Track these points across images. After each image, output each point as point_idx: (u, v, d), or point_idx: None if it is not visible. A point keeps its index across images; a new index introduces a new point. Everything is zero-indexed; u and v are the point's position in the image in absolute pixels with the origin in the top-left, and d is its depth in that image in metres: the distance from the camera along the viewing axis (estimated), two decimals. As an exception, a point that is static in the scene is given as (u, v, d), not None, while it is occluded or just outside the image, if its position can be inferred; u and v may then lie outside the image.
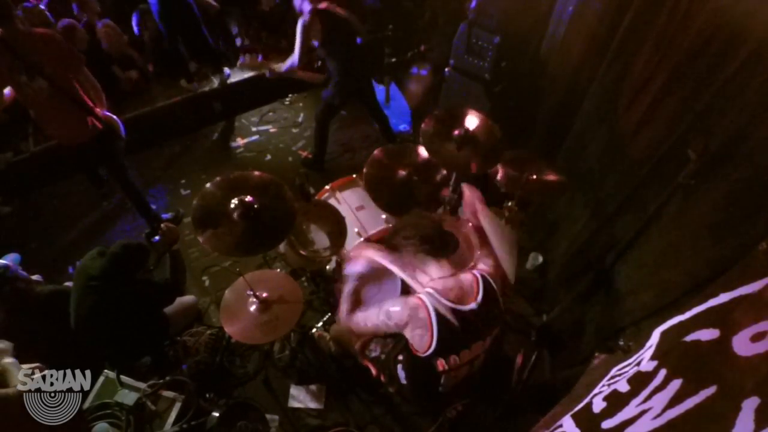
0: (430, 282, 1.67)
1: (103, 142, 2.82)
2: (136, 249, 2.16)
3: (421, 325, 1.59)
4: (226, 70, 4.44)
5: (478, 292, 1.64)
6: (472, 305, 1.62)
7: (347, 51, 3.17)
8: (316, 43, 3.05)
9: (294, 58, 3.08)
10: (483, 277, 1.69)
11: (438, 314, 1.57)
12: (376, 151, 2.54)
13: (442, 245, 1.69)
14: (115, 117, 2.90)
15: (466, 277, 1.68)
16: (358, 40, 3.31)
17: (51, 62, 2.47)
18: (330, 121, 3.61)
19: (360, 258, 1.93)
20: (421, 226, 1.69)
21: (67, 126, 2.69)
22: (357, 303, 1.87)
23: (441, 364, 1.67)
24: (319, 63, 3.20)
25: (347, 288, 1.90)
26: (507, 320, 2.77)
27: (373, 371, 2.08)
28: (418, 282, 1.72)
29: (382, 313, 1.68)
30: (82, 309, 2.08)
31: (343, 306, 1.86)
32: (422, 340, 1.61)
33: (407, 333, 1.64)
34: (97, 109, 2.76)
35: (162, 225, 2.32)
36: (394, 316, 1.64)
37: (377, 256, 1.85)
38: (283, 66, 3.20)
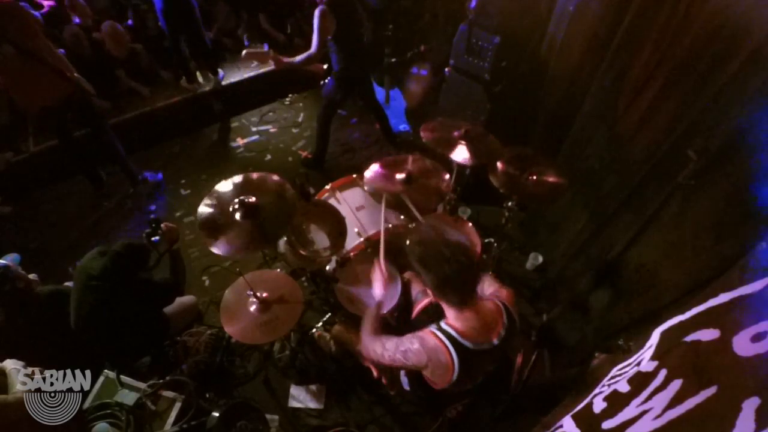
0: (449, 313, 1.55)
1: (79, 102, 2.98)
2: (137, 249, 2.17)
3: (441, 366, 1.50)
4: (220, 72, 4.45)
5: (501, 326, 1.55)
6: (495, 341, 1.53)
7: (354, 42, 3.15)
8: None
9: (312, 49, 3.02)
10: (506, 309, 1.60)
11: (459, 356, 1.48)
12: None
13: (467, 292, 1.50)
14: (83, 78, 3.04)
15: (488, 308, 1.58)
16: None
17: (14, 29, 2.59)
18: (332, 119, 3.60)
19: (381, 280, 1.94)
20: (449, 257, 1.44)
21: (38, 88, 2.81)
22: (379, 324, 1.80)
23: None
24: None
25: (370, 311, 1.85)
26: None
27: (375, 373, 2.08)
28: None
29: (399, 353, 1.58)
30: (82, 309, 2.08)
31: (367, 329, 1.77)
32: (442, 379, 1.54)
33: (426, 373, 1.57)
34: (66, 72, 2.87)
35: (162, 225, 2.30)
36: (411, 358, 1.54)
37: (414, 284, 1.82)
38: (297, 58, 3.10)
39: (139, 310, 2.19)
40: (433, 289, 1.54)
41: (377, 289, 1.96)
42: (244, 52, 3.07)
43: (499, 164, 2.45)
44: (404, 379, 1.94)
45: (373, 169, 2.50)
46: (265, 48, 3.08)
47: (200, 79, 4.45)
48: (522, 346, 2.47)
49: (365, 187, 2.47)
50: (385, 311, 1.97)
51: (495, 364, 1.65)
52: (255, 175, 2.28)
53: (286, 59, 3.09)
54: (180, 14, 3.87)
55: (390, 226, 2.60)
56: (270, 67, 4.52)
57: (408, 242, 1.59)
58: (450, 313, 1.54)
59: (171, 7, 3.80)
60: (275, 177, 2.28)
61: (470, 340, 1.48)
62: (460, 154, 2.40)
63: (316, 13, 2.90)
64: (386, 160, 2.55)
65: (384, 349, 1.62)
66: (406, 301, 2.36)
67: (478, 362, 1.54)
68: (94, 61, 3.85)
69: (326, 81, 3.39)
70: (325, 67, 3.30)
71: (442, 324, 1.53)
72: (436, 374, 1.53)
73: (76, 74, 2.98)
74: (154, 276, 2.39)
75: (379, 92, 4.29)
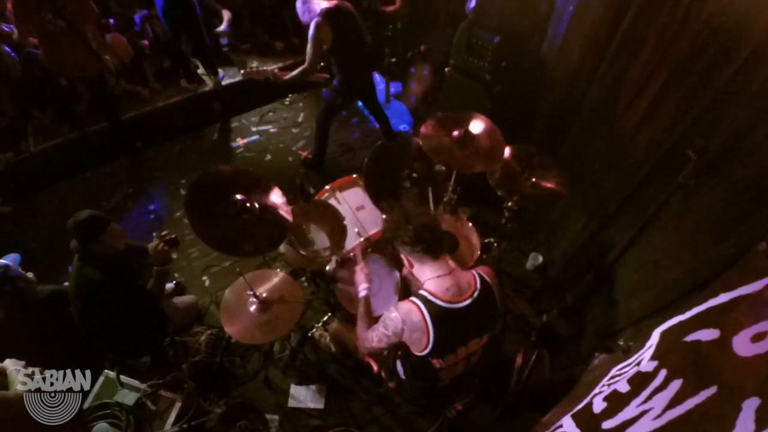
0: (426, 282, 1.66)
1: (102, 78, 3.44)
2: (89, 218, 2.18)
3: (416, 328, 1.60)
4: (220, 72, 4.45)
5: (475, 290, 1.64)
6: (467, 301, 1.62)
7: (355, 52, 3.13)
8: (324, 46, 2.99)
9: (306, 64, 3.01)
10: (481, 276, 1.69)
11: (432, 315, 1.58)
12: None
13: (437, 243, 1.64)
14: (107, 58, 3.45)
15: (464, 274, 1.68)
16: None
17: (72, 6, 2.98)
18: (331, 121, 3.60)
19: (361, 274, 2.00)
20: (415, 223, 1.63)
21: (74, 61, 3.21)
22: (371, 317, 1.88)
23: (437, 362, 1.68)
24: (322, 63, 3.17)
25: (360, 306, 1.93)
26: (507, 320, 2.77)
27: (375, 367, 2.09)
28: (417, 279, 1.73)
29: (381, 325, 1.70)
30: (72, 284, 2.13)
31: (360, 324, 1.87)
32: (420, 342, 1.62)
33: (405, 338, 1.65)
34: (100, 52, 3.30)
35: (159, 245, 2.29)
36: (390, 325, 1.65)
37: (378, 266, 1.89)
38: (292, 73, 3.11)
39: (120, 301, 2.20)
40: (409, 254, 1.66)
41: (362, 285, 2.00)
42: (241, 71, 3.13)
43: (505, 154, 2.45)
44: (400, 368, 1.95)
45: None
46: (263, 67, 3.12)
47: (204, 78, 4.45)
48: (522, 346, 2.48)
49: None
50: (377, 311, 1.98)
51: (475, 334, 1.69)
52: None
53: (286, 76, 3.11)
54: (181, 13, 3.88)
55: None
56: (270, 67, 4.54)
57: (388, 228, 1.74)
58: (427, 274, 1.65)
59: (172, 6, 3.80)
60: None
61: (442, 300, 1.59)
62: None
63: (312, 24, 2.86)
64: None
65: (374, 332, 1.73)
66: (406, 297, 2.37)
67: (452, 323, 1.61)
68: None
69: (330, 84, 3.37)
70: (327, 76, 3.30)
71: (419, 291, 1.65)
72: (413, 336, 1.62)
73: (106, 56, 3.36)
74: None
75: (379, 92, 4.28)
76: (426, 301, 1.59)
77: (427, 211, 1.75)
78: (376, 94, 3.65)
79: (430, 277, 1.64)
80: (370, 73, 3.44)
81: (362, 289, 1.98)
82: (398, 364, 1.97)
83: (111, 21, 4.02)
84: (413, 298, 1.63)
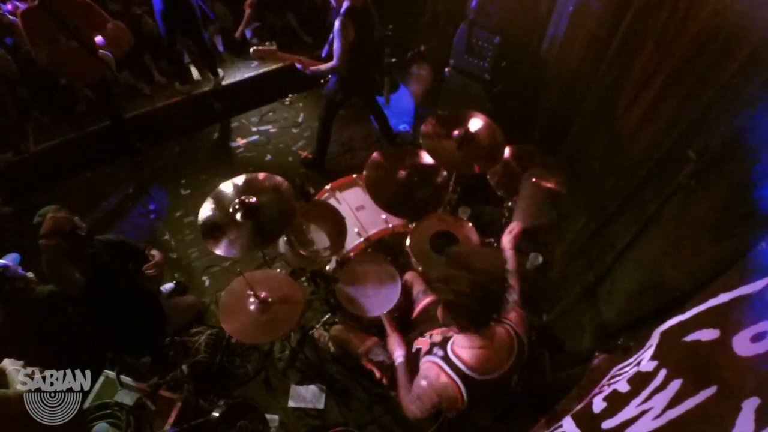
0: (460, 349, 1.48)
1: (109, 82, 3.50)
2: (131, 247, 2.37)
3: (452, 400, 1.49)
4: (220, 71, 4.45)
5: (511, 355, 1.50)
6: (505, 368, 1.50)
7: (366, 49, 3.10)
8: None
9: (335, 62, 2.96)
10: (517, 335, 1.55)
11: (468, 387, 1.45)
12: (374, 154, 2.53)
13: (487, 316, 1.41)
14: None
15: (501, 336, 1.50)
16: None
17: (84, 23, 3.05)
18: (333, 119, 3.58)
19: (394, 339, 1.86)
20: (482, 281, 1.34)
21: (86, 72, 3.32)
22: (411, 381, 1.70)
23: None
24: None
25: (399, 375, 1.77)
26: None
27: (377, 374, 2.08)
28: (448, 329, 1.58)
29: (417, 399, 1.56)
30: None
31: (403, 392, 1.71)
32: (453, 407, 1.53)
33: (443, 408, 1.54)
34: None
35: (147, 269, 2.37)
36: (425, 399, 1.52)
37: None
38: (322, 67, 3.05)
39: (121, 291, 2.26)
40: (446, 312, 1.45)
41: (397, 351, 1.83)
42: (252, 49, 3.04)
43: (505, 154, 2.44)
44: None
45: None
46: (273, 47, 3.02)
47: (198, 77, 4.44)
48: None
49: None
50: (373, 312, 1.94)
51: (506, 386, 1.63)
52: (260, 176, 2.30)
53: (314, 66, 3.05)
54: (181, 17, 3.87)
55: (390, 226, 2.60)
56: (270, 66, 4.54)
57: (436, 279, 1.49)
58: (459, 338, 1.48)
59: (172, 10, 3.79)
60: (277, 178, 2.29)
61: (478, 373, 1.43)
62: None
63: (337, 25, 2.83)
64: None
65: (413, 404, 1.60)
66: (406, 300, 2.36)
67: (486, 389, 1.50)
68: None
69: (328, 79, 3.36)
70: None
71: (449, 352, 1.47)
72: (449, 407, 1.51)
73: (102, 51, 3.35)
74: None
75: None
76: (462, 375, 1.44)
77: (495, 264, 1.41)
78: (375, 93, 3.64)
79: (466, 345, 1.47)
80: (372, 70, 3.43)
81: (398, 356, 1.80)
82: None
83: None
84: (445, 367, 1.45)
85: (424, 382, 1.50)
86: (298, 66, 3.11)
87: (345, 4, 2.84)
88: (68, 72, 3.36)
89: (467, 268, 1.36)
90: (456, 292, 1.35)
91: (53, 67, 3.24)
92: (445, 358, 1.48)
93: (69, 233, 1.99)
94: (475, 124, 2.45)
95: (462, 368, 1.43)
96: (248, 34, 4.69)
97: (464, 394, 1.45)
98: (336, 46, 2.89)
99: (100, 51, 3.33)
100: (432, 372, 1.49)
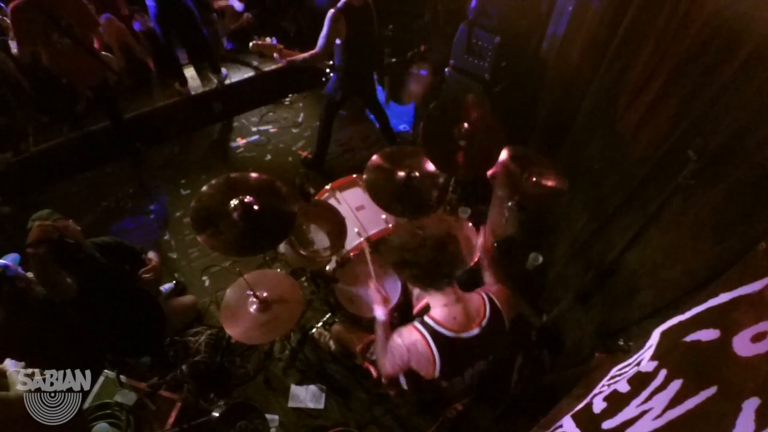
0: (432, 309, 1.60)
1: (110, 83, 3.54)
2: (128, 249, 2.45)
3: (422, 358, 1.56)
4: (224, 70, 4.44)
5: (484, 316, 1.59)
6: (475, 331, 1.57)
7: (364, 49, 3.11)
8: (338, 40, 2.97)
9: (316, 49, 2.98)
10: (491, 301, 1.64)
11: (438, 345, 1.53)
12: (374, 156, 2.52)
13: (443, 273, 1.53)
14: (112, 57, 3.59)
15: (473, 300, 1.63)
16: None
17: (76, 22, 2.98)
18: (334, 118, 3.58)
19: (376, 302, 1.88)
20: (421, 246, 1.50)
21: (82, 73, 3.28)
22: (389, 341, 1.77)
23: (444, 383, 1.67)
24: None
25: (378, 333, 1.82)
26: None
27: (374, 373, 2.08)
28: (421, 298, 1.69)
29: (389, 353, 1.65)
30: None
31: (380, 351, 1.79)
32: (426, 370, 1.59)
33: (413, 365, 1.61)
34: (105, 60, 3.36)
35: (143, 273, 2.37)
36: (395, 352, 1.61)
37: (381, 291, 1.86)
38: (301, 56, 3.05)
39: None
40: (414, 283, 1.60)
41: (378, 310, 1.87)
42: (251, 43, 3.05)
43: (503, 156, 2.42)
44: (402, 379, 1.94)
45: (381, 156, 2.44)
46: (274, 41, 3.03)
47: (196, 77, 4.44)
48: (522, 346, 2.48)
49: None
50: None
51: (482, 358, 1.66)
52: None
53: (291, 56, 3.05)
54: (177, 19, 3.86)
55: (390, 226, 2.60)
56: (270, 66, 4.54)
57: (385, 250, 1.63)
58: (434, 303, 1.60)
59: (166, 13, 3.77)
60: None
61: (448, 329, 1.54)
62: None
63: (328, 15, 2.84)
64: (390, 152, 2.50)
65: (386, 360, 1.68)
66: (406, 300, 2.36)
67: (459, 352, 1.57)
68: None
69: (329, 77, 3.36)
70: (331, 63, 3.27)
71: (425, 317, 1.59)
72: (420, 365, 1.58)
73: (103, 53, 3.36)
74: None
75: (379, 92, 4.28)
76: (431, 330, 1.55)
77: (448, 231, 1.58)
78: (375, 92, 3.64)
79: (437, 305, 1.59)
80: (371, 70, 3.43)
81: (379, 314, 1.85)
82: (401, 375, 1.95)
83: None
84: (418, 325, 1.57)
85: (398, 338, 1.61)
86: (276, 58, 3.09)
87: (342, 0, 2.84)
88: (64, 72, 3.33)
89: (415, 235, 1.53)
90: (409, 255, 1.52)
91: (52, 66, 3.20)
92: (421, 321, 1.59)
93: (57, 240, 1.97)
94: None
95: (431, 324, 1.55)
96: (229, 45, 4.75)
97: (434, 351, 1.52)
98: (322, 33, 2.91)
99: (103, 53, 3.33)
100: (405, 330, 1.61)
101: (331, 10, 2.84)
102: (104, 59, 3.35)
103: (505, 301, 1.68)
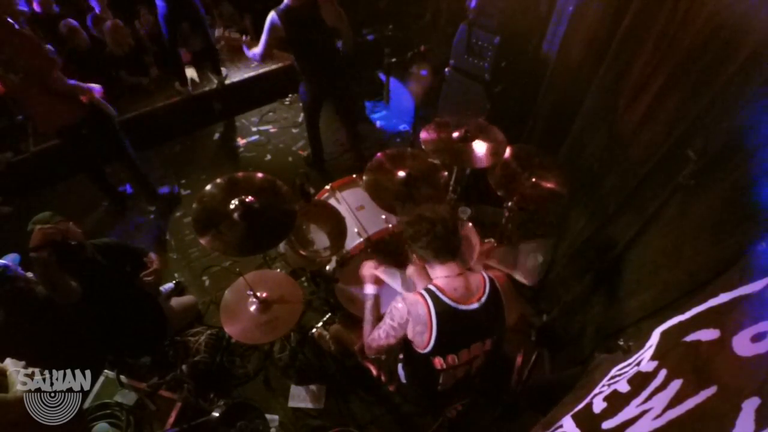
0: (436, 279, 1.66)
1: (94, 122, 2.96)
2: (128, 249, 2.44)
3: (420, 321, 1.59)
4: (224, 70, 4.45)
5: (483, 293, 1.64)
6: (474, 305, 1.61)
7: (313, 53, 3.01)
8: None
9: (256, 52, 2.95)
10: (491, 279, 1.69)
11: (437, 312, 1.57)
12: (377, 155, 2.52)
13: (453, 246, 1.64)
14: (103, 102, 3.03)
15: (474, 277, 1.68)
16: (338, 44, 3.16)
17: (20, 57, 2.54)
18: (316, 121, 3.54)
19: (367, 280, 1.97)
20: (437, 220, 1.62)
21: (47, 112, 2.80)
22: (378, 317, 1.86)
23: (439, 362, 1.68)
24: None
25: (367, 306, 1.91)
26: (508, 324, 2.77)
27: (374, 371, 2.09)
28: (426, 277, 1.73)
29: (387, 317, 1.69)
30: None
31: (367, 326, 1.86)
32: (422, 337, 1.61)
33: (409, 331, 1.64)
34: (80, 97, 2.86)
35: (144, 276, 2.36)
36: (396, 315, 1.65)
37: (380, 275, 1.93)
38: (247, 53, 3.04)
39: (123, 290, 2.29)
40: (424, 253, 1.66)
41: (369, 286, 1.98)
42: (217, 31, 3.06)
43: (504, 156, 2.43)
44: (401, 372, 1.95)
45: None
46: (244, 38, 3.04)
47: (196, 78, 4.45)
48: (522, 346, 2.47)
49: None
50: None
51: (478, 339, 1.68)
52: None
53: (245, 50, 3.03)
54: (185, 18, 3.85)
55: (390, 226, 2.60)
56: (271, 67, 4.55)
57: (410, 221, 1.70)
58: (436, 274, 1.66)
59: (174, 12, 3.77)
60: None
61: (449, 297, 1.59)
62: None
63: (269, 16, 2.80)
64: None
65: (380, 329, 1.72)
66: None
67: (457, 323, 1.60)
68: (94, 60, 3.86)
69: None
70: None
71: (428, 285, 1.64)
72: (416, 331, 1.61)
73: (97, 97, 2.98)
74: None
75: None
76: (433, 296, 1.59)
77: (449, 211, 1.71)
78: (350, 101, 3.58)
79: (440, 276, 1.65)
80: (335, 75, 3.23)
81: (369, 291, 1.95)
82: (400, 367, 1.97)
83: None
84: (421, 290, 1.63)
85: (399, 302, 1.65)
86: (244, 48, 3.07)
87: (285, 2, 2.80)
88: (22, 109, 3.05)
89: (422, 214, 1.64)
90: (429, 233, 1.61)
91: (9, 100, 2.92)
92: (424, 287, 1.65)
93: (60, 243, 1.96)
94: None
95: (434, 290, 1.61)
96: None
97: (432, 316, 1.57)
98: (263, 36, 2.89)
99: (83, 97, 2.90)
100: (407, 294, 1.66)
101: (271, 13, 2.79)
102: (87, 100, 2.91)
103: (505, 286, 1.71)
